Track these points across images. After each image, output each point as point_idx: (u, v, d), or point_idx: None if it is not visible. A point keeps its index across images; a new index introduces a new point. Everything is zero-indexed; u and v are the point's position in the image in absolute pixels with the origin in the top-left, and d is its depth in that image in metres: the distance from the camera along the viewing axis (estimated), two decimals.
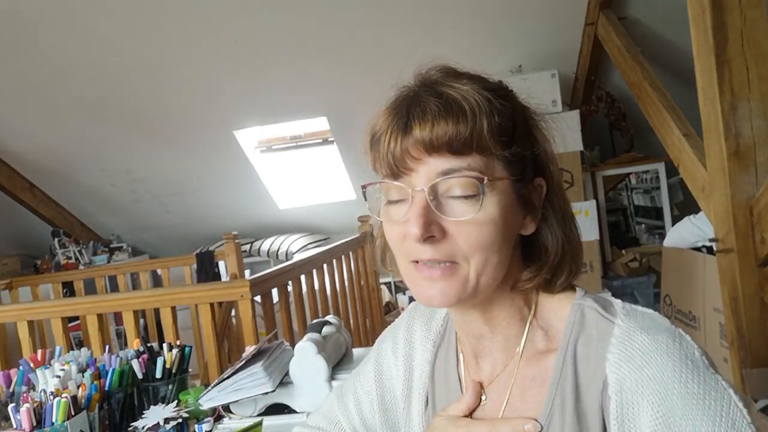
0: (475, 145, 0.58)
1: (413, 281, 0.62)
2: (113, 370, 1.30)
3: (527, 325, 0.65)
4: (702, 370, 0.55)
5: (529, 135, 0.63)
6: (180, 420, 1.20)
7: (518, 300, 0.65)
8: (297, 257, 3.34)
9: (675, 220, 3.43)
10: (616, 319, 0.60)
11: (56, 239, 4.90)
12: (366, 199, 0.66)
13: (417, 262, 0.61)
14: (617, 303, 0.63)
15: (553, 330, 0.64)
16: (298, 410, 1.31)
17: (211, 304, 2.20)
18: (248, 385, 1.26)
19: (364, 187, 0.65)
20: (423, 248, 0.59)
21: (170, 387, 1.34)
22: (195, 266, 4.13)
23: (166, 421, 1.19)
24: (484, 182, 0.58)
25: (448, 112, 0.58)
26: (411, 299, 4.72)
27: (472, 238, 0.58)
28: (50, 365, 1.34)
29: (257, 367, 1.27)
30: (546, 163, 0.64)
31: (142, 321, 3.42)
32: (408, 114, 0.59)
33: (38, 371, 1.31)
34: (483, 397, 0.67)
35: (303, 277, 2.68)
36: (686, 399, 0.54)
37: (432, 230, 0.58)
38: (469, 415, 0.68)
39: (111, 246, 5.09)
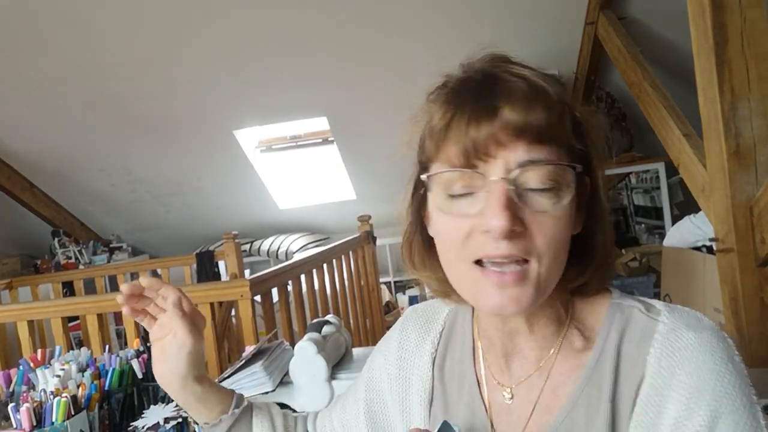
0: (558, 133, 0.55)
1: (476, 286, 0.57)
2: (113, 369, 1.30)
3: (566, 325, 0.63)
4: (739, 374, 0.55)
5: (583, 129, 0.60)
6: (180, 420, 1.20)
7: (556, 299, 0.63)
8: (297, 257, 3.34)
9: (675, 220, 3.43)
10: (660, 317, 0.59)
11: (56, 239, 4.90)
12: (429, 191, 0.60)
13: (481, 264, 0.56)
14: (658, 303, 0.62)
15: (590, 330, 0.63)
16: (298, 410, 1.31)
17: (211, 304, 2.20)
18: (248, 385, 1.27)
19: (429, 177, 0.58)
20: (499, 244, 0.54)
21: None
22: (195, 266, 4.13)
23: (166, 420, 1.19)
24: (576, 171, 0.55)
25: (538, 96, 0.54)
26: (411, 299, 4.73)
27: (549, 234, 0.55)
28: (50, 365, 1.34)
29: (257, 367, 1.27)
30: (596, 162, 0.61)
31: None
32: (494, 95, 0.55)
33: (38, 371, 1.31)
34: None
35: (303, 277, 2.68)
36: (718, 394, 0.53)
37: (516, 223, 0.54)
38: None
39: (111, 246, 5.09)
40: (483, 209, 0.55)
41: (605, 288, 0.65)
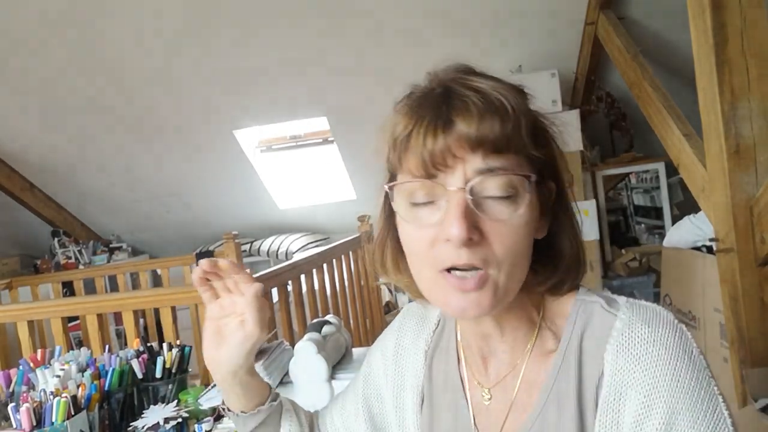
0: (514, 143, 0.57)
1: (441, 292, 0.59)
2: (113, 370, 1.30)
3: (537, 327, 0.65)
4: (697, 368, 0.55)
5: (545, 136, 0.62)
6: (180, 420, 1.20)
7: (527, 302, 0.65)
8: (297, 257, 3.34)
9: (675, 220, 3.43)
10: (618, 312, 0.60)
11: (56, 239, 4.90)
12: (393, 201, 0.62)
13: (447, 271, 0.58)
14: (621, 299, 0.63)
15: (559, 329, 0.64)
16: None
17: None
18: None
19: (390, 187, 0.61)
20: (460, 252, 0.56)
21: (170, 387, 1.34)
22: (195, 266, 4.12)
23: (166, 420, 1.19)
24: (531, 180, 0.57)
25: (492, 107, 0.56)
26: (411, 299, 4.75)
27: (508, 242, 0.57)
28: (50, 365, 1.34)
29: (257, 367, 1.26)
30: (557, 167, 0.63)
31: (142, 321, 3.41)
32: (449, 108, 0.56)
33: (38, 371, 1.31)
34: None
35: (303, 277, 2.68)
36: (674, 391, 0.54)
37: (473, 232, 0.56)
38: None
39: (111, 246, 5.09)
40: (443, 218, 0.56)
41: (575, 286, 0.67)
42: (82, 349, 1.45)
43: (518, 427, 0.63)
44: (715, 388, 0.55)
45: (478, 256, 0.56)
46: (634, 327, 0.58)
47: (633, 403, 0.55)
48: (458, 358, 0.72)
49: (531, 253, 0.61)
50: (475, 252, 0.56)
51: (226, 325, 0.73)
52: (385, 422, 0.78)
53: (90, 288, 4.20)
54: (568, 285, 0.65)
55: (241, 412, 0.76)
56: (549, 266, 0.64)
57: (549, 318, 0.65)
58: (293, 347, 1.35)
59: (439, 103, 0.57)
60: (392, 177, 0.63)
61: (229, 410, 0.77)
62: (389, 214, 0.66)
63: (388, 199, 0.64)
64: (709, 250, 2.58)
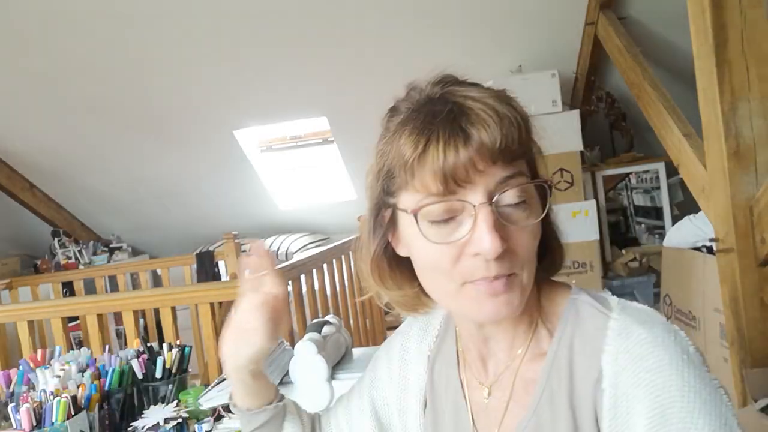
0: (523, 149, 0.59)
1: (469, 301, 0.60)
2: (113, 370, 1.30)
3: (534, 325, 0.66)
4: (697, 366, 0.56)
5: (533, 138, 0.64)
6: (180, 420, 1.21)
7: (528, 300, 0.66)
8: (297, 257, 3.34)
9: (675, 220, 3.43)
10: (612, 313, 0.61)
11: (56, 239, 4.89)
12: (400, 220, 0.63)
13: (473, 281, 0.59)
14: (612, 299, 0.63)
15: (554, 327, 0.65)
16: None
17: (211, 304, 2.20)
18: None
19: (416, 211, 0.58)
20: (489, 265, 0.57)
21: (170, 387, 1.34)
22: (195, 266, 4.13)
23: (166, 421, 1.19)
24: (549, 184, 0.60)
25: (501, 117, 0.57)
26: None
27: (529, 246, 0.59)
28: (50, 365, 1.34)
29: None
30: (542, 165, 0.65)
31: (142, 321, 3.41)
32: (463, 122, 0.56)
33: (38, 371, 1.31)
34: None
35: (303, 277, 2.68)
36: (684, 391, 0.54)
37: (503, 243, 0.57)
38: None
39: (111, 246, 5.09)
40: (470, 234, 0.57)
41: (566, 284, 0.68)
42: (82, 349, 1.45)
43: (515, 424, 0.64)
44: (716, 381, 0.56)
45: (507, 265, 0.58)
46: (632, 328, 0.58)
47: (643, 405, 0.55)
48: (458, 362, 0.73)
49: None
50: (504, 262, 0.58)
51: (241, 334, 0.72)
52: (391, 425, 0.79)
53: (90, 288, 4.20)
54: (545, 276, 0.67)
55: (247, 409, 0.77)
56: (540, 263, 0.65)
57: (544, 316, 0.66)
58: (293, 347, 1.35)
59: (449, 116, 0.57)
60: (389, 194, 0.63)
61: (235, 406, 0.79)
62: (385, 230, 0.66)
63: (380, 215, 0.65)
64: (709, 250, 2.58)
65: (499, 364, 0.68)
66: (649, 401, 0.55)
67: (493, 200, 0.57)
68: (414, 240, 0.61)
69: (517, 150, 0.57)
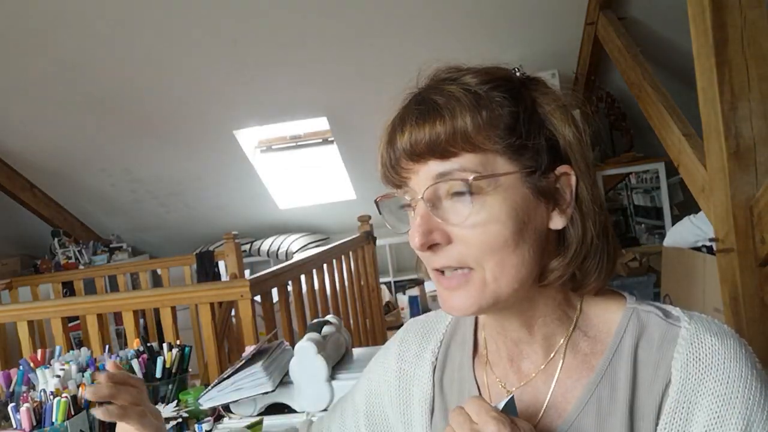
0: (461, 144, 0.56)
1: (438, 291, 0.61)
2: None
3: (570, 327, 0.63)
4: (764, 381, 0.56)
5: (539, 123, 0.59)
6: (180, 420, 1.21)
7: (552, 299, 0.63)
8: (297, 257, 3.34)
9: (675, 220, 3.43)
10: (681, 323, 0.60)
11: (56, 239, 4.89)
12: (380, 213, 0.66)
13: (439, 271, 0.60)
14: (676, 309, 0.62)
15: (600, 334, 0.63)
16: (298, 410, 1.31)
17: (211, 304, 2.20)
18: (248, 385, 1.27)
19: (377, 201, 0.65)
20: (432, 256, 0.59)
21: (170, 387, 1.34)
22: (195, 266, 4.13)
23: (166, 421, 1.19)
24: (469, 181, 0.55)
25: (425, 117, 0.57)
26: (411, 299, 4.72)
27: (478, 240, 0.56)
28: (50, 365, 1.34)
29: (257, 367, 1.27)
30: (568, 151, 0.60)
31: (142, 321, 3.41)
32: (394, 126, 0.60)
33: (38, 371, 1.31)
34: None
35: (303, 277, 2.68)
36: (748, 404, 0.54)
37: (434, 238, 0.57)
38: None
39: (111, 246, 5.09)
40: (412, 225, 0.59)
41: (619, 293, 0.66)
42: (82, 349, 1.45)
43: (551, 430, 0.61)
44: None
45: (451, 258, 0.58)
46: (703, 338, 0.58)
47: (704, 413, 0.55)
48: (473, 365, 0.70)
49: (535, 247, 0.58)
50: (446, 255, 0.58)
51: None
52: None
53: (90, 288, 4.20)
54: (592, 282, 0.61)
55: None
56: (559, 257, 0.60)
57: (585, 320, 0.64)
58: (293, 347, 1.35)
59: (401, 117, 0.60)
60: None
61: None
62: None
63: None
64: (709, 250, 2.58)
65: (533, 366, 0.65)
66: (711, 410, 0.55)
67: (425, 195, 0.57)
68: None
69: (448, 146, 0.56)
